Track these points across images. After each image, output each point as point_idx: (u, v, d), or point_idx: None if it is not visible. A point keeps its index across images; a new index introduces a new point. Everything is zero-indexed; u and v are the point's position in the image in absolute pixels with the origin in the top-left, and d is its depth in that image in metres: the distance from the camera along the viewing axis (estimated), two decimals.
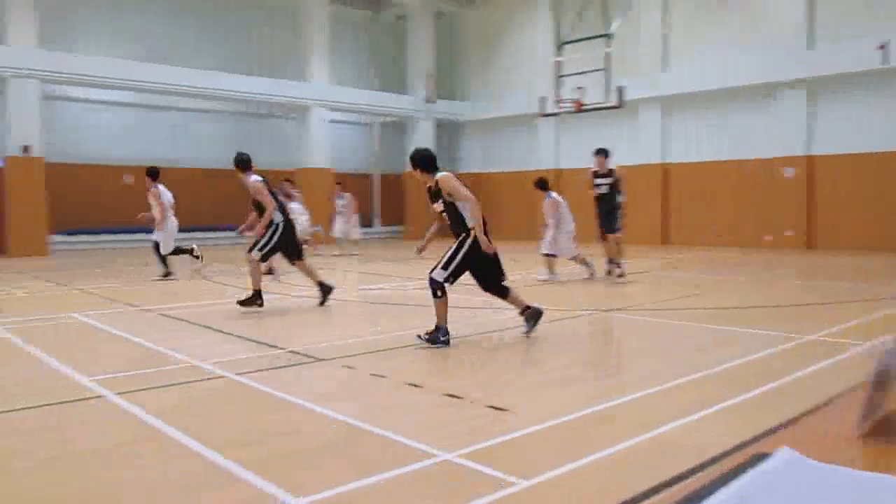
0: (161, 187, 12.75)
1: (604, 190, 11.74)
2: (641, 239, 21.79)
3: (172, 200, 12.95)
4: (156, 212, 12.65)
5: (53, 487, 3.40)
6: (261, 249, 8.92)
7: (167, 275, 12.60)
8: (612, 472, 3.52)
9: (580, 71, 19.15)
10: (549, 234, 11.87)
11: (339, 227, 18.54)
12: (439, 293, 6.64)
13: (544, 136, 25.08)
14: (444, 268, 6.64)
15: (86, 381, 5.34)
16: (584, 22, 20.45)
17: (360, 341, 6.89)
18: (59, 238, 20.08)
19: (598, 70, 18.75)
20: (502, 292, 7.04)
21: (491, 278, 6.97)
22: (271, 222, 9.01)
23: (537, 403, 4.72)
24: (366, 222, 27.83)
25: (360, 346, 6.66)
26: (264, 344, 6.79)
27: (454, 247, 6.71)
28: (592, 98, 19.17)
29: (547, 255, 11.92)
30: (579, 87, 19.24)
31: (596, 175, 11.77)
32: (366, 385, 5.32)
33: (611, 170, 11.66)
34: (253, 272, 8.88)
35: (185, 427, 4.19)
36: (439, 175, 6.72)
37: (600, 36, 19.01)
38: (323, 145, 24.34)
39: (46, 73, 19.00)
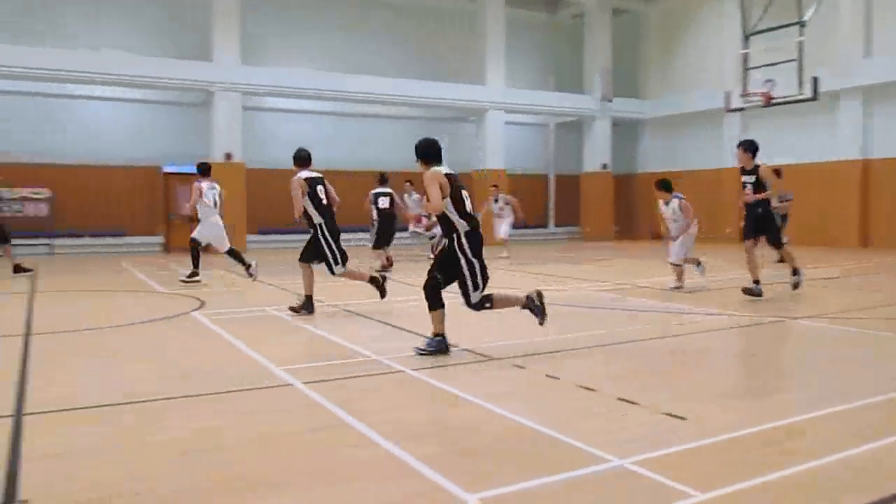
0: (204, 184, 12.37)
1: (748, 189, 10.15)
2: (837, 241, 20.10)
3: (216, 199, 12.57)
4: (188, 207, 12.62)
5: (256, 466, 3.69)
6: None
7: (193, 275, 12.19)
8: (797, 493, 3.28)
9: (770, 63, 18.00)
10: (678, 240, 10.95)
11: (503, 230, 18.09)
12: (488, 305, 6.34)
13: (729, 133, 23.80)
14: (473, 290, 6.22)
15: (277, 370, 5.74)
16: (772, 11, 19.19)
17: (532, 342, 6.89)
18: (253, 238, 21.73)
19: (789, 61, 17.54)
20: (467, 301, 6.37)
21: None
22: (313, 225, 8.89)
23: (717, 414, 4.49)
24: (540, 223, 27.84)
25: (532, 346, 6.65)
26: None
27: (466, 268, 6.19)
28: (783, 91, 17.96)
29: (677, 264, 10.99)
30: (768, 80, 18.09)
31: (743, 172, 10.15)
32: (539, 386, 5.31)
33: (756, 166, 9.88)
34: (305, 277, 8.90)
35: (365, 418, 4.38)
36: (430, 170, 6.28)
37: (793, 24, 17.77)
38: (498, 147, 24.64)
39: (247, 87, 20.70)
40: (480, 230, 6.34)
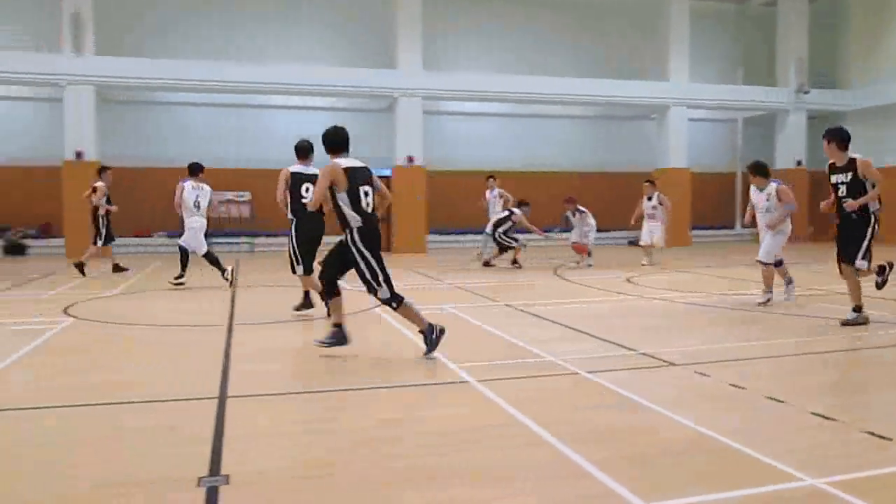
0: (187, 184, 12.06)
1: (841, 191, 7.65)
2: None
3: (199, 200, 12.23)
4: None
5: (433, 458, 3.82)
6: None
7: (179, 278, 11.96)
8: None
9: None
10: (770, 235, 9.29)
11: (649, 233, 15.49)
12: (395, 305, 6.28)
13: None
14: (376, 285, 6.21)
15: (453, 366, 5.88)
16: None
17: (716, 348, 6.56)
18: (433, 238, 22.36)
19: None
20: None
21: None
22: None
23: None
24: (727, 224, 26.46)
25: (716, 353, 6.34)
26: (615, 344, 6.81)
27: (361, 262, 6.20)
28: None
29: (767, 263, 9.31)
30: None
31: (832, 170, 7.76)
32: (723, 395, 5.06)
33: (852, 159, 7.59)
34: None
35: (540, 418, 4.39)
36: (329, 164, 6.23)
37: None
38: (681, 145, 23.69)
39: (429, 91, 21.39)
40: (377, 226, 6.36)
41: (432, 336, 6.28)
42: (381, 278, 6.24)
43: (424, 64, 21.44)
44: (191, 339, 7.55)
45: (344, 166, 6.25)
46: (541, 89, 22.21)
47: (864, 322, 7.63)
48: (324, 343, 6.36)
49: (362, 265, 6.20)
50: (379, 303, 6.44)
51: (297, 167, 8.48)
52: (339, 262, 6.37)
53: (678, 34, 23.61)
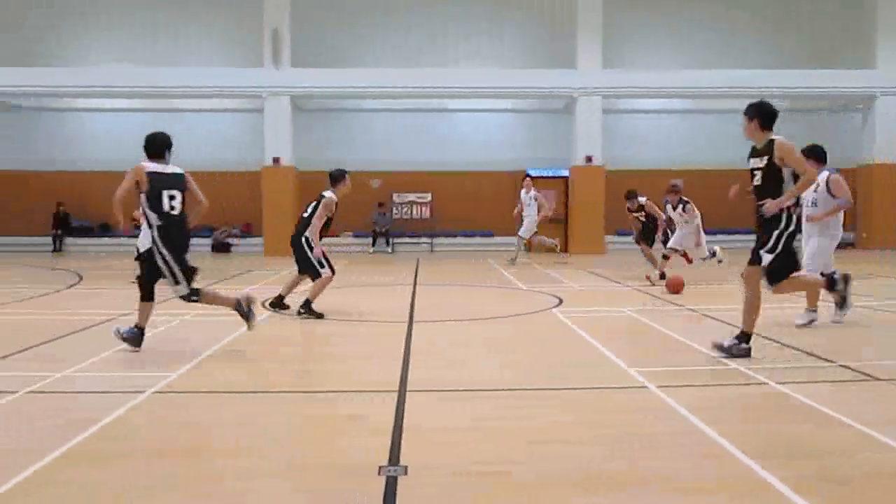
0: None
1: (756, 179, 6.16)
2: None
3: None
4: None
5: (608, 463, 3.74)
6: None
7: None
8: None
9: None
10: (817, 237, 7.67)
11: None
12: (195, 298, 6.62)
13: None
14: (174, 283, 6.53)
15: (631, 371, 5.72)
16: None
17: None
18: (612, 238, 21.89)
19: None
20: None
21: None
22: None
23: None
24: None
25: None
26: (807, 353, 6.32)
27: (158, 259, 6.48)
28: None
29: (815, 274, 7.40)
30: None
31: (751, 152, 6.30)
32: None
33: (771, 140, 6.00)
34: None
35: (722, 429, 4.16)
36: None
37: None
38: (894, 138, 21.45)
39: (608, 90, 20.99)
40: (181, 227, 6.58)
41: (244, 309, 6.68)
42: (178, 276, 6.52)
43: (604, 62, 21.05)
44: (375, 333, 7.90)
45: (149, 170, 6.52)
46: (725, 83, 21.01)
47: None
48: (122, 335, 6.55)
49: (160, 262, 6.48)
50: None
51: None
52: (150, 266, 6.65)
53: (888, 15, 21.39)
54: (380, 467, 3.62)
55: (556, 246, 17.09)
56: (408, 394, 5.09)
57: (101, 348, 6.64)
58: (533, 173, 22.36)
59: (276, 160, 20.36)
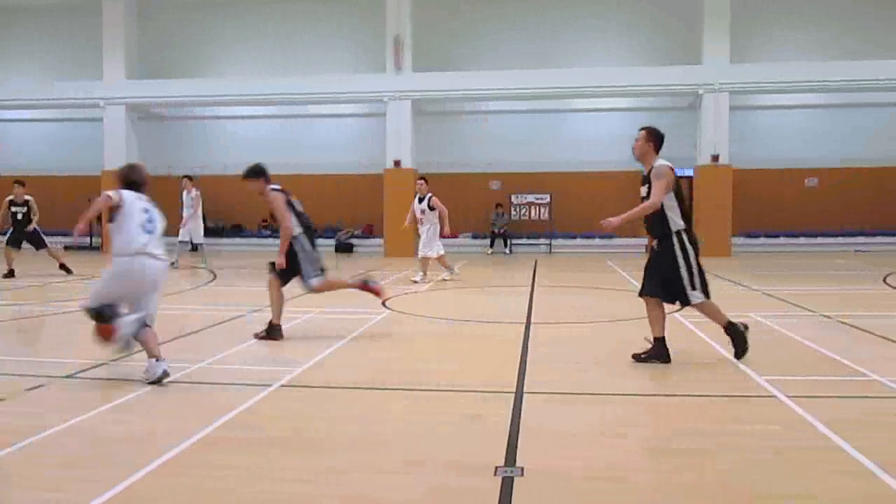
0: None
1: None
2: None
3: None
4: None
5: (735, 475, 3.60)
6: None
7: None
8: None
9: None
10: None
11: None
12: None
13: None
14: None
15: (759, 379, 5.46)
16: None
17: None
18: (739, 240, 20.97)
19: None
20: None
21: None
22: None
23: None
24: None
25: None
26: None
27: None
28: None
29: None
30: None
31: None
32: None
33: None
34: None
35: (861, 444, 3.90)
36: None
37: None
38: None
39: (736, 85, 20.11)
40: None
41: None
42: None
43: (732, 56, 20.18)
44: (492, 334, 7.93)
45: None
46: (872, 74, 19.63)
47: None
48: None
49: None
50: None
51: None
52: None
53: None
54: (496, 467, 3.64)
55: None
56: (525, 395, 5.08)
57: (233, 343, 7.01)
58: None
59: (396, 163, 20.82)
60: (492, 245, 22.11)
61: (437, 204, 13.03)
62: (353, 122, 23.68)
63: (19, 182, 14.59)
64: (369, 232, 22.92)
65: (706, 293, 6.05)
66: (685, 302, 6.08)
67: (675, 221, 6.04)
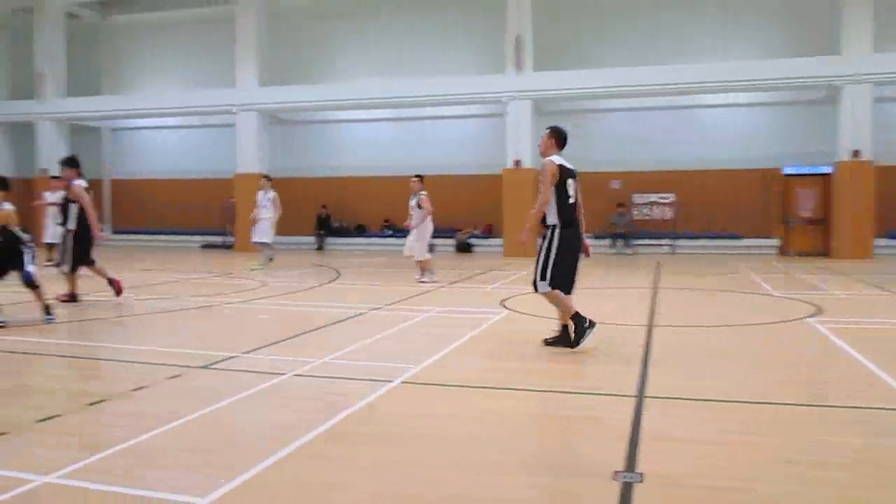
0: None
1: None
2: None
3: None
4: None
5: (864, 490, 3.37)
6: None
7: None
8: None
9: None
10: None
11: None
12: None
13: None
14: None
15: None
16: None
17: None
18: (882, 241, 19.57)
19: None
20: None
21: None
22: None
23: None
24: None
25: None
26: None
27: None
28: None
29: None
30: None
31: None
32: None
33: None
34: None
35: None
36: None
37: None
38: None
39: (881, 77, 18.74)
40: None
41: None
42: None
43: (875, 45, 18.82)
44: (612, 336, 7.76)
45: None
46: None
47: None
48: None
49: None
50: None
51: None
52: None
53: None
54: (615, 472, 3.56)
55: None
56: (646, 400, 4.95)
57: (355, 339, 7.22)
58: (789, 171, 20.73)
59: (516, 163, 20.77)
60: (612, 245, 21.68)
61: (425, 203, 12.84)
62: (472, 123, 23.83)
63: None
64: (488, 232, 22.99)
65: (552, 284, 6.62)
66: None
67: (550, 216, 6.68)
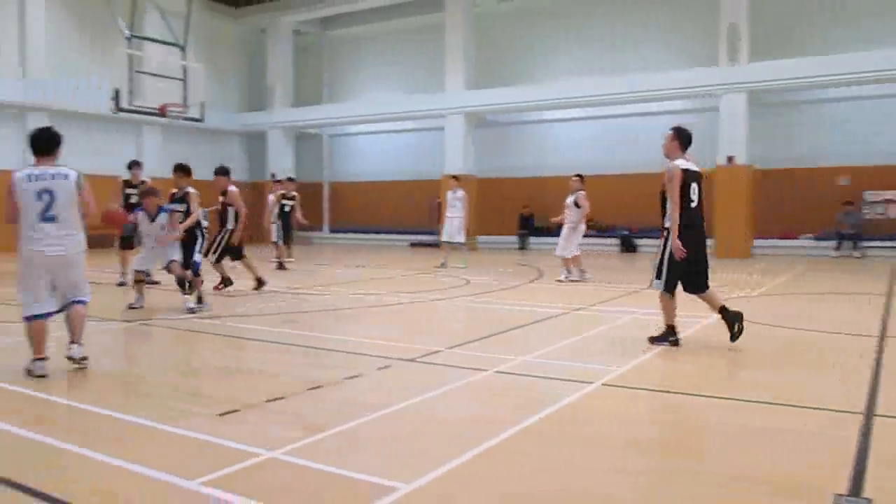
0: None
1: None
2: None
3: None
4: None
5: None
6: None
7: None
8: None
9: None
10: None
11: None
12: None
13: None
14: None
15: None
16: None
17: None
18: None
19: None
20: None
21: None
22: None
23: None
24: None
25: None
26: None
27: None
28: None
29: None
30: None
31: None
32: None
33: None
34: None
35: None
36: None
37: None
38: None
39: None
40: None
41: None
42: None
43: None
44: (837, 346, 7.12)
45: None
46: None
47: None
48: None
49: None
50: None
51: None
52: None
53: None
54: (836, 495, 3.26)
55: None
56: (876, 418, 4.48)
57: (556, 338, 7.21)
58: None
59: (730, 159, 19.60)
60: (838, 247, 19.73)
61: (583, 202, 13.06)
62: (679, 119, 22.75)
63: (291, 179, 17.70)
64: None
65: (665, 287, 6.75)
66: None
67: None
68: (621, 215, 22.22)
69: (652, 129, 23.07)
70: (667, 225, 6.75)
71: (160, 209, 9.27)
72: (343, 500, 3.29)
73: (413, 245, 25.62)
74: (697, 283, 6.84)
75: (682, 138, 6.98)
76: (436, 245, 24.09)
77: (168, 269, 9.18)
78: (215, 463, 3.63)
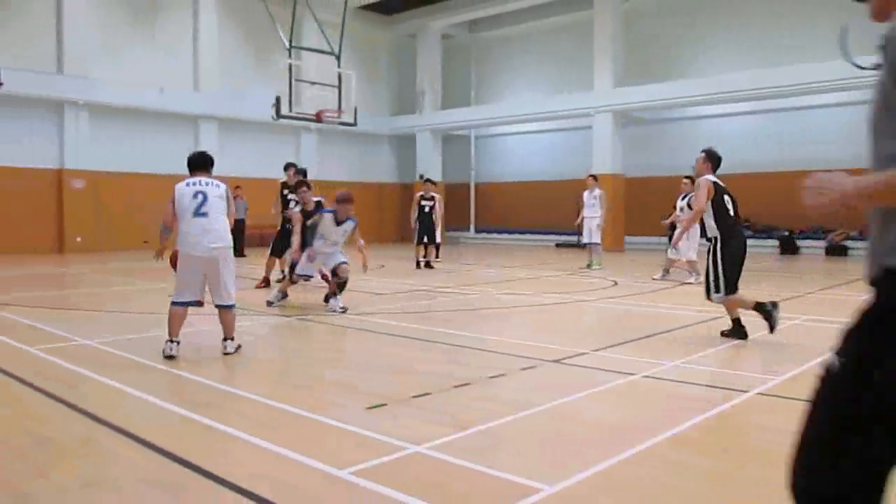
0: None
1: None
2: None
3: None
4: None
5: None
6: None
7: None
8: None
9: None
10: None
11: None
12: None
13: None
14: None
15: None
16: None
17: None
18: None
19: None
20: None
21: None
22: None
23: None
24: None
25: None
26: None
27: None
28: None
29: None
30: None
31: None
32: None
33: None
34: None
35: None
36: None
37: None
38: None
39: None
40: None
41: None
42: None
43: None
44: None
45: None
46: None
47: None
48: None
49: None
50: None
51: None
52: None
53: None
54: None
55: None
56: None
57: (708, 344, 6.91)
58: None
59: None
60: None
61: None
62: (848, 112, 21.11)
63: (430, 181, 17.48)
64: (866, 232, 20.24)
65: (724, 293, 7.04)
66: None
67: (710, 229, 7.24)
68: (780, 215, 20.96)
69: (816, 122, 21.63)
70: (711, 235, 7.19)
71: (323, 211, 9.41)
72: (487, 498, 3.31)
73: (558, 245, 25.40)
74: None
75: (714, 160, 7.60)
76: (580, 246, 23.79)
77: (336, 271, 9.19)
78: (364, 454, 3.76)
